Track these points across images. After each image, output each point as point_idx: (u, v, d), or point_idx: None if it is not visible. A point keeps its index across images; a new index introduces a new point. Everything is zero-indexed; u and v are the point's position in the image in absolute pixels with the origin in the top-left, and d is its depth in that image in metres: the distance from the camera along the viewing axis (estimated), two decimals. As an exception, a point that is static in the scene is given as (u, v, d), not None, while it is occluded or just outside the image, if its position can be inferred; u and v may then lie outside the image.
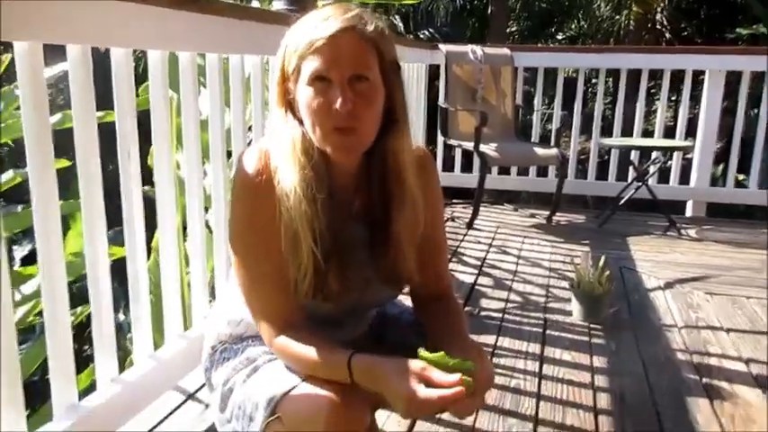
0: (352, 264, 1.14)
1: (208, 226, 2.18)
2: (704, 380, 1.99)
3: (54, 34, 1.32)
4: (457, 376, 0.94)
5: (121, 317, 3.80)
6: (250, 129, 2.34)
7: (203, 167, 2.22)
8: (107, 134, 1.62)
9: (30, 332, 3.53)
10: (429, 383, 0.96)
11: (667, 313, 2.56)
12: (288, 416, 1.09)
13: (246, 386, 1.16)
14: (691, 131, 4.42)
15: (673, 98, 9.14)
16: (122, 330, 3.55)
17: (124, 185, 1.58)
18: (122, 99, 1.56)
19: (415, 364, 0.99)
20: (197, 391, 1.79)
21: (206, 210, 2.13)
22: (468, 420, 1.68)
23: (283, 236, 1.09)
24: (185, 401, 1.75)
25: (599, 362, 2.11)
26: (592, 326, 2.40)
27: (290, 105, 1.10)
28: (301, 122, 1.08)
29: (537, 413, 1.76)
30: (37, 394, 3.14)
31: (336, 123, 1.03)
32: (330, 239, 1.09)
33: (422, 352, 0.98)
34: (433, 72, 4.67)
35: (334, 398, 1.05)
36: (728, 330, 2.39)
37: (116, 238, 1.92)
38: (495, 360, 2.09)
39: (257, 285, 1.14)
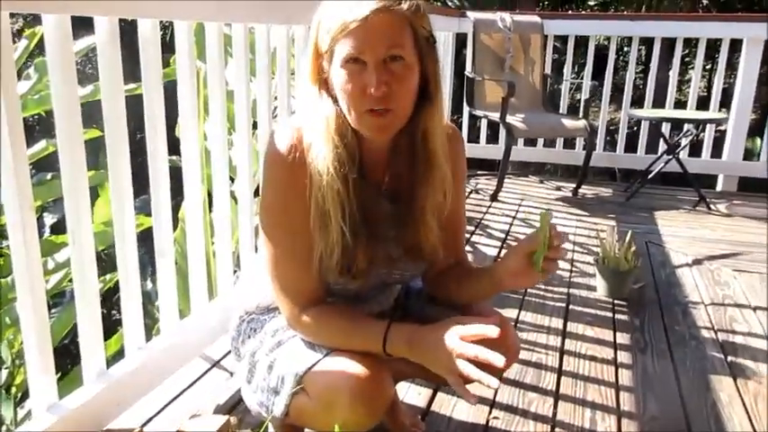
0: (379, 241, 1.14)
1: (233, 196, 2.19)
2: (729, 358, 1.97)
3: (81, 6, 1.32)
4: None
5: (149, 285, 3.87)
6: (275, 99, 2.34)
7: (229, 138, 2.23)
8: (137, 104, 1.62)
9: (61, 296, 3.62)
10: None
11: (694, 290, 2.52)
12: (313, 389, 1.11)
13: (271, 359, 1.19)
14: (725, 102, 4.29)
15: (708, 67, 8.86)
16: (151, 298, 3.62)
17: (151, 160, 1.59)
18: (150, 73, 1.56)
19: (448, 324, 1.05)
20: (222, 358, 1.83)
21: (231, 180, 2.14)
22: (489, 394, 1.70)
23: (312, 214, 1.09)
24: (210, 369, 1.79)
25: (622, 338, 2.09)
26: (616, 302, 2.38)
27: (324, 83, 1.09)
28: (335, 100, 1.08)
29: (558, 388, 1.77)
30: (68, 356, 3.24)
31: (371, 106, 1.02)
32: (359, 218, 1.10)
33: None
34: (461, 41, 4.59)
35: (358, 370, 1.07)
36: (755, 308, 2.35)
37: (144, 208, 1.95)
38: (517, 334, 2.09)
39: (283, 262, 1.15)
